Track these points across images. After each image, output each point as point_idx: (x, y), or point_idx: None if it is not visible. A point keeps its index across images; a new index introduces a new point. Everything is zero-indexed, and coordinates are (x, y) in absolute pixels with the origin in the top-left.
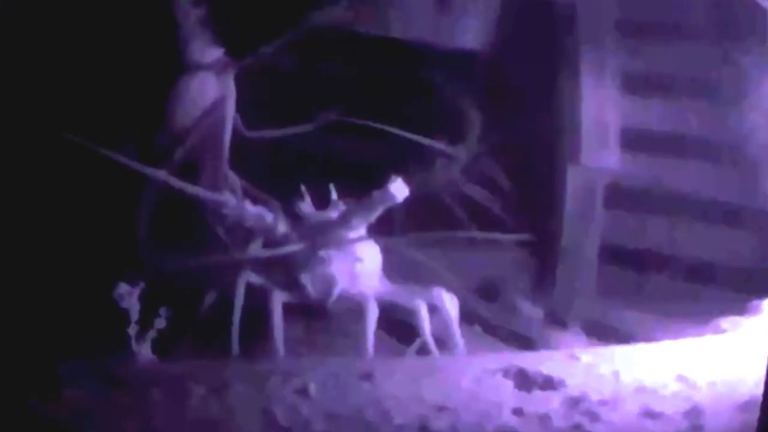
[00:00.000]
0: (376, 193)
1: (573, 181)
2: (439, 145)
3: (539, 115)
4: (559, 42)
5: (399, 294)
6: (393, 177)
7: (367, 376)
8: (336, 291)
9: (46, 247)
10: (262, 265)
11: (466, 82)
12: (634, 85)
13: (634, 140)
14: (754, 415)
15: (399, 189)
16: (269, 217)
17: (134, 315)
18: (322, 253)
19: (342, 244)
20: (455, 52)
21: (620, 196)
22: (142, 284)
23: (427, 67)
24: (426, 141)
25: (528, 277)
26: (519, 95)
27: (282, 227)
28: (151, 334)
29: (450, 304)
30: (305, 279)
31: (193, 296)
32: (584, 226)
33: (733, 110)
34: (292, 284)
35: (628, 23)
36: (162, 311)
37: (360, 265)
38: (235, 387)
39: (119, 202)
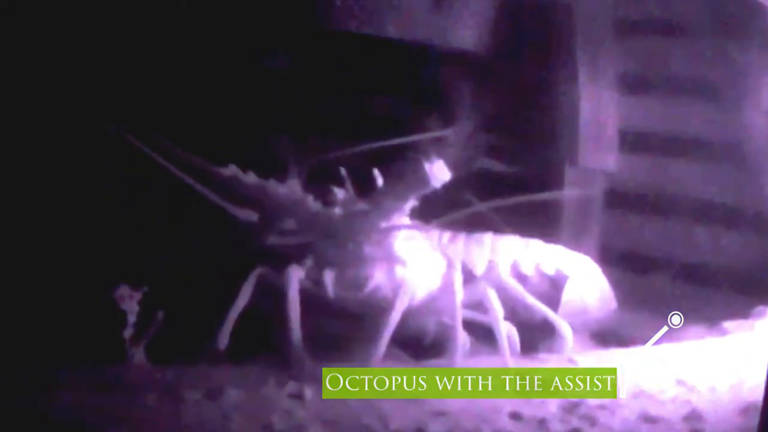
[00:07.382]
0: (410, 175)
1: (571, 182)
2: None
3: (536, 115)
4: (556, 42)
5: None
6: (432, 157)
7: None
8: (366, 291)
9: (41, 246)
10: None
11: (460, 83)
12: (632, 85)
13: (632, 141)
14: (755, 420)
15: (438, 171)
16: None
17: (132, 318)
18: (350, 245)
19: (373, 236)
20: (450, 53)
21: (619, 198)
22: (144, 288)
23: (421, 67)
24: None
25: None
26: (515, 96)
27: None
28: (146, 338)
29: (497, 300)
30: (328, 276)
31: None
32: (582, 228)
33: (734, 110)
34: (314, 280)
35: (625, 22)
36: (159, 315)
37: (402, 270)
38: (230, 392)
39: (123, 203)
